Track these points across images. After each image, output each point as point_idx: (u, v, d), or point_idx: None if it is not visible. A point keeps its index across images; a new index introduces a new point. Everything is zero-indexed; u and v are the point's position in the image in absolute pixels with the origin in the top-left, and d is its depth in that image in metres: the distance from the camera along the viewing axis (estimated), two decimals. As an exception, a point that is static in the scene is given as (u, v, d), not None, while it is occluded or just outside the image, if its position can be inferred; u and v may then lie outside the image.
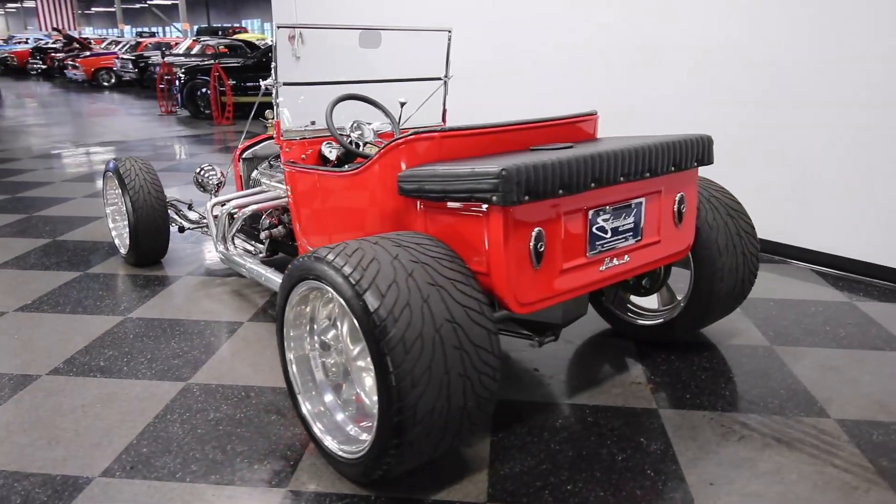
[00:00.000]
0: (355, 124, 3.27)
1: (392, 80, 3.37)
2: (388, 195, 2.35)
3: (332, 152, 3.15)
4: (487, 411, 1.98)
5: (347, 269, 1.85)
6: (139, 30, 45.69)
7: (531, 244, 2.02)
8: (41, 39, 30.41)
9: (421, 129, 2.33)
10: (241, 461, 2.17)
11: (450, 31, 3.44)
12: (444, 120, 3.63)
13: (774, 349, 2.96)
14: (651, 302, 3.06)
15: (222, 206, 3.53)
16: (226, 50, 15.20)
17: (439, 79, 3.50)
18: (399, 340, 1.76)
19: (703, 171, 4.17)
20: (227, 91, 10.51)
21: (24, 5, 49.21)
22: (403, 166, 2.30)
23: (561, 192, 2.01)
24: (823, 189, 3.96)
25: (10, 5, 52.89)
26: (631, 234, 2.35)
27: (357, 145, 3.23)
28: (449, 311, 1.86)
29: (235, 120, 10.78)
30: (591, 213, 2.19)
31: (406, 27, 3.26)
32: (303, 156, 3.11)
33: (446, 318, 1.85)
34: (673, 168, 2.37)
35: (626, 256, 2.35)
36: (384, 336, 1.75)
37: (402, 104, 3.29)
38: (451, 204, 2.13)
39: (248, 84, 10.76)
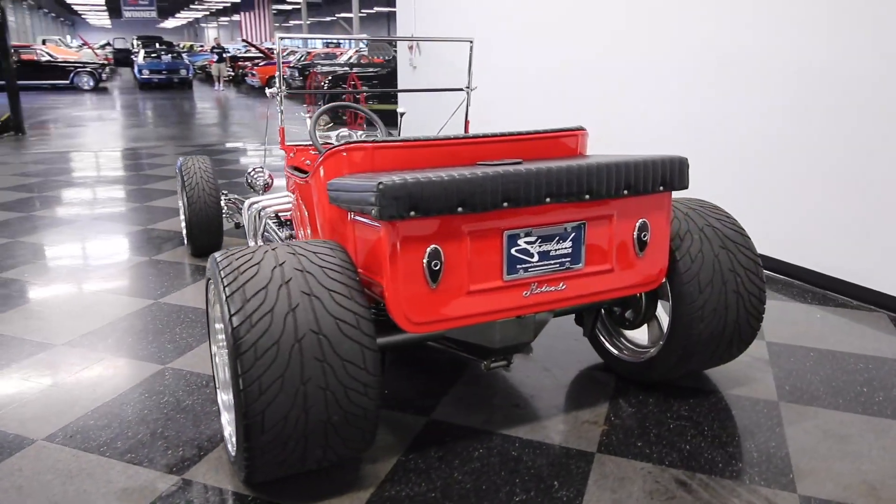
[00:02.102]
0: (339, 134, 3.32)
1: (412, 91, 3.38)
2: (326, 203, 2.38)
3: None
4: (363, 427, 1.94)
5: (224, 273, 1.91)
6: (328, 40, 49.43)
7: (424, 261, 1.95)
8: (239, 49, 33.91)
9: (358, 140, 2.33)
10: (161, 445, 2.30)
11: (471, 42, 3.39)
12: (466, 131, 3.58)
13: (780, 405, 2.58)
14: (642, 337, 2.79)
15: (254, 206, 3.76)
16: (381, 60, 16.01)
17: (461, 89, 3.46)
18: (251, 346, 1.78)
19: (742, 195, 3.73)
20: (360, 98, 11.07)
21: (233, 19, 55.26)
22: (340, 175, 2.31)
23: (461, 209, 1.92)
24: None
25: (222, 18, 59.67)
26: (568, 259, 2.17)
27: None
28: (317, 322, 1.85)
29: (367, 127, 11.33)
30: (506, 234, 2.06)
31: (425, 37, 3.25)
32: (306, 161, 3.22)
33: (312, 328, 1.84)
34: (626, 192, 2.16)
35: (561, 284, 2.18)
36: (236, 340, 1.78)
37: (401, 114, 3.30)
38: (357, 216, 2.12)
39: (377, 92, 11.25)
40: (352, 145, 2.27)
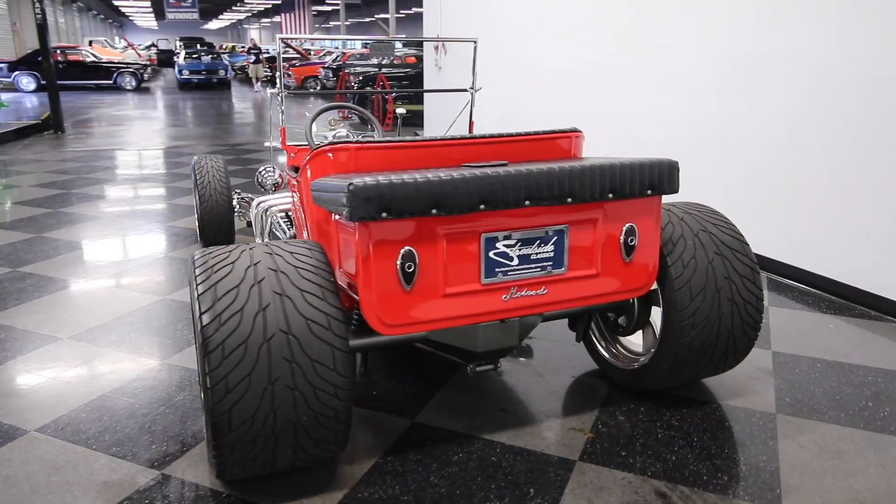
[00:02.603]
0: (336, 134, 3.32)
1: (417, 91, 3.37)
2: (312, 203, 2.38)
3: None
4: (333, 429, 1.94)
5: (198, 272, 1.92)
6: (364, 41, 49.82)
7: (398, 263, 1.93)
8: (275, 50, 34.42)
9: (343, 140, 2.32)
10: (147, 440, 2.34)
11: (475, 41, 3.36)
12: (470, 131, 3.56)
13: (777, 418, 2.49)
14: (637, 344, 2.73)
15: (262, 204, 3.80)
16: (414, 60, 16.05)
17: (465, 90, 3.43)
18: (218, 345, 1.79)
19: (762, 200, 3.61)
20: (389, 99, 11.12)
21: (274, 20, 56.12)
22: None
23: (435, 211, 1.90)
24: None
25: (264, 20, 60.66)
26: (550, 263, 2.14)
27: None
28: (287, 322, 1.85)
29: (395, 127, 11.37)
30: (484, 236, 2.03)
31: (431, 38, 3.23)
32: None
33: (281, 328, 1.85)
34: (612, 195, 2.12)
35: (542, 288, 2.14)
36: (205, 339, 1.80)
37: (401, 115, 3.29)
38: (337, 217, 2.12)
39: (405, 93, 11.27)
40: (336, 146, 2.27)
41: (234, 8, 49.20)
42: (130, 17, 61.85)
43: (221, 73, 22.08)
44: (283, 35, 3.40)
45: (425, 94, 9.36)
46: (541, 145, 2.47)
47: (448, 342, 2.28)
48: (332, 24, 59.89)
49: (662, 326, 2.41)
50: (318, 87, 20.06)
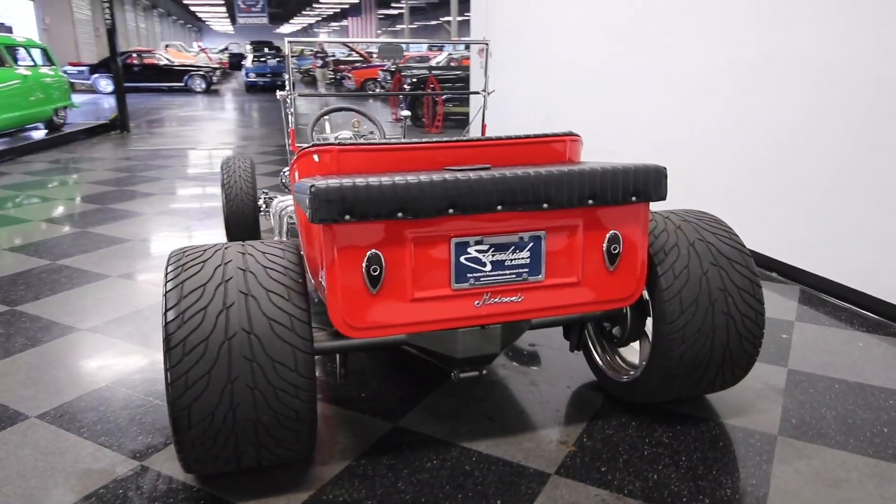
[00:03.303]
0: (338, 135, 3.33)
1: (429, 94, 3.35)
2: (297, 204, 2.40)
3: None
4: (296, 429, 1.94)
5: (170, 270, 1.96)
6: (429, 44, 50.21)
7: (363, 266, 1.92)
8: (343, 53, 35.08)
9: (325, 143, 2.33)
10: (135, 431, 2.40)
11: (487, 43, 3.32)
12: (483, 133, 3.52)
13: (777, 440, 2.35)
14: (634, 356, 2.64)
15: (280, 204, 3.87)
16: (468, 62, 16.07)
17: (478, 93, 3.39)
18: (180, 342, 1.82)
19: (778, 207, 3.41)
20: (439, 101, 11.15)
21: (342, 24, 57.27)
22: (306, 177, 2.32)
23: (400, 215, 1.88)
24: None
25: (333, 24, 61.97)
26: (526, 270, 2.08)
27: None
28: (249, 322, 1.87)
29: (445, 129, 11.40)
30: (454, 241, 2.00)
31: (445, 41, 3.21)
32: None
33: (244, 328, 1.86)
34: (592, 201, 2.05)
35: (518, 295, 2.09)
36: (167, 335, 1.83)
37: (406, 118, 3.28)
38: None
39: (454, 95, 11.29)
40: (320, 147, 2.28)
41: (304, 12, 50.48)
42: (207, 22, 64.35)
43: (285, 76, 22.65)
44: (292, 39, 3.45)
45: (471, 97, 9.35)
46: (532, 149, 2.41)
47: (427, 347, 2.25)
48: (398, 27, 60.68)
49: (652, 339, 2.31)
50: (377, 90, 20.34)
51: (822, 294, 3.77)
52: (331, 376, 2.81)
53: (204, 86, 22.11)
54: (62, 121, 11.19)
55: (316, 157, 2.29)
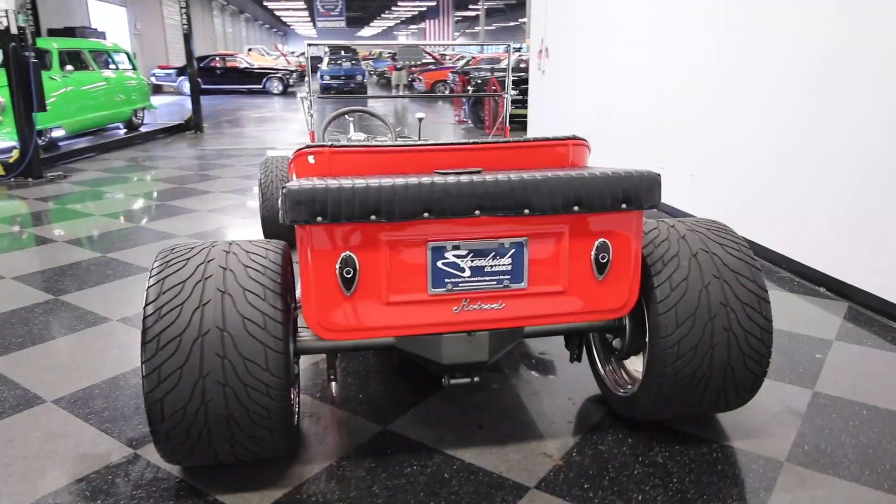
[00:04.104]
0: (350, 137, 3.34)
1: (446, 96, 3.32)
2: (295, 204, 2.42)
3: None
4: (268, 427, 1.97)
5: (155, 265, 2.03)
6: (503, 46, 50.17)
7: (337, 268, 1.93)
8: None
9: (318, 144, 2.34)
10: (136, 419, 2.50)
11: (510, 45, 3.27)
12: (506, 135, 3.46)
13: (783, 467, 2.20)
14: (638, 369, 2.53)
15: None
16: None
17: (502, 94, 3.34)
18: (154, 337, 1.88)
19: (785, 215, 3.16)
20: (499, 101, 11.08)
21: (421, 26, 57.97)
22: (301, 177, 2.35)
23: (374, 217, 1.88)
24: None
25: (412, 26, 62.84)
26: (507, 277, 2.03)
27: None
28: (223, 319, 1.91)
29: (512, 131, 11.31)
30: (431, 245, 1.97)
31: (466, 43, 3.18)
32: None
33: (217, 325, 1.90)
34: (577, 208, 1.98)
35: (499, 302, 2.04)
36: (143, 330, 1.89)
37: (420, 119, 3.26)
38: None
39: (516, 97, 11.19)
40: (314, 149, 2.30)
41: (383, 15, 51.40)
42: (291, 27, 66.54)
43: (359, 78, 23.10)
44: (311, 41, 3.50)
45: (530, 99, 9.25)
46: (531, 153, 2.35)
47: (413, 351, 2.23)
48: (476, 28, 60.82)
49: (647, 353, 2.21)
50: (447, 91, 20.44)
51: (871, 312, 3.51)
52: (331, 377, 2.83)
53: (281, 88, 22.85)
54: (140, 121, 11.82)
55: (310, 159, 2.31)
